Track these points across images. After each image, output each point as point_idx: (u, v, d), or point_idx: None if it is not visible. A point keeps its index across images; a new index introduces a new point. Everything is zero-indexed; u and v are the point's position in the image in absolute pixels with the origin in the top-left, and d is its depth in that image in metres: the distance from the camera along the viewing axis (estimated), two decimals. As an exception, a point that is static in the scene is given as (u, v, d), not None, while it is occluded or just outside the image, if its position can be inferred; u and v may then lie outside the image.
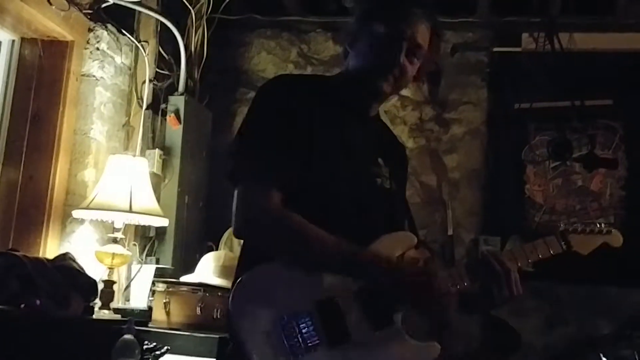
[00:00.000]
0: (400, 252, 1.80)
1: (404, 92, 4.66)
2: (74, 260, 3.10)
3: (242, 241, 1.86)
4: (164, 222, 3.63)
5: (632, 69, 4.19)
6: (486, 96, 4.58)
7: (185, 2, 4.18)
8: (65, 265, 3.05)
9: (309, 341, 1.62)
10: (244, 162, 1.74)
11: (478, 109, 4.59)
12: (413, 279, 1.69)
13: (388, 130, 2.08)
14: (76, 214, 3.43)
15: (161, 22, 4.10)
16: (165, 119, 4.14)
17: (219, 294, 3.30)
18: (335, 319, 1.65)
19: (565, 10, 4.33)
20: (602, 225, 2.05)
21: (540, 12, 4.28)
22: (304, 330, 1.62)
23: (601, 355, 3.46)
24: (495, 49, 4.57)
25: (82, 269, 3.11)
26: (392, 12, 1.85)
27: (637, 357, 3.53)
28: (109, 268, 3.43)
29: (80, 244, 3.54)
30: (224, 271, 3.51)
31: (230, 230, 4.00)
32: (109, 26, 3.75)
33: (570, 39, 4.25)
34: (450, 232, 4.41)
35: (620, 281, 3.97)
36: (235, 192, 1.71)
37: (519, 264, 1.84)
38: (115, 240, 3.45)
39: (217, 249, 3.93)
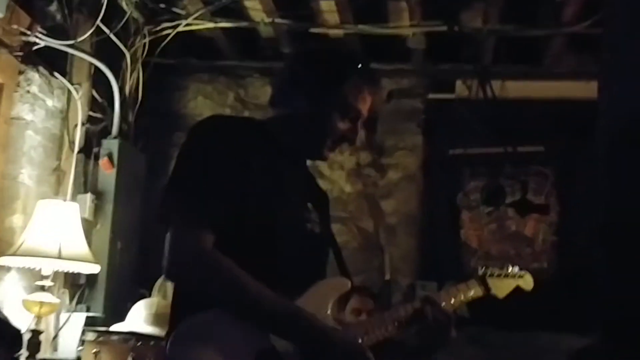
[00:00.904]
0: (334, 297, 1.78)
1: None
2: (-2, 310, 2.99)
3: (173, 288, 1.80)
4: (94, 268, 3.53)
5: (563, 117, 4.30)
6: (422, 142, 4.64)
7: (120, 45, 4.13)
8: (-11, 315, 2.93)
9: None
10: (176, 204, 1.69)
11: (414, 154, 4.64)
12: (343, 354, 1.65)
13: (312, 174, 2.07)
14: (2, 261, 3.30)
15: (95, 65, 4.04)
16: (98, 163, 4.06)
17: (152, 343, 3.21)
18: None
19: (497, 58, 4.45)
20: (516, 269, 2.15)
21: (473, 60, 4.38)
22: None
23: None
24: (430, 96, 4.65)
25: (7, 318, 2.98)
26: (343, 88, 1.84)
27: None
28: (37, 317, 3.31)
29: (6, 292, 3.41)
30: (156, 319, 3.42)
31: (163, 277, 3.91)
32: (41, 69, 3.68)
33: (503, 87, 4.36)
34: (387, 277, 4.41)
35: (553, 326, 4.01)
36: (167, 235, 1.65)
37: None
38: (43, 288, 3.34)
39: (150, 296, 3.84)
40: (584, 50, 4.24)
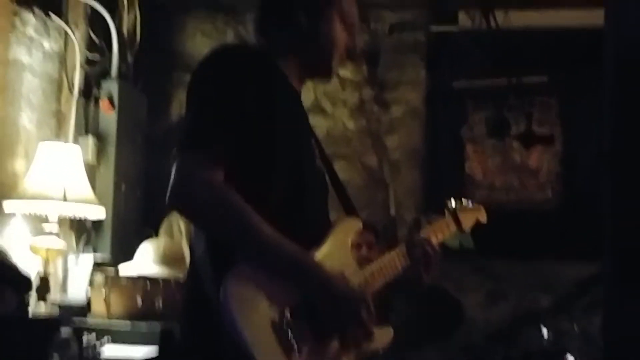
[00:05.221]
0: (351, 240, 1.78)
1: (344, 73, 4.64)
2: (5, 255, 3.00)
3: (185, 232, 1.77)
4: (100, 211, 3.53)
5: (567, 46, 4.23)
6: (425, 76, 4.59)
7: (116, -17, 4.06)
8: (-4, 259, 2.95)
9: (301, 339, 1.57)
10: (186, 135, 1.63)
11: (417, 88, 4.59)
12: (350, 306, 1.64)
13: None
14: (7, 205, 3.31)
15: (91, 5, 3.97)
16: (99, 105, 4.02)
17: (161, 283, 3.24)
18: (316, 315, 1.60)
19: (500, -13, 4.35)
20: (473, 202, 2.16)
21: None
22: (295, 328, 1.56)
23: (542, 326, 3.52)
24: (433, 28, 4.57)
25: (14, 263, 3.01)
26: None
27: (576, 329, 3.60)
28: (45, 260, 3.33)
29: (12, 237, 3.42)
30: (164, 259, 3.45)
31: (169, 217, 3.92)
32: (36, 10, 3.61)
33: (506, 16, 4.28)
34: (392, 213, 4.42)
35: (558, 256, 4.03)
36: (175, 163, 1.58)
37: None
38: (49, 232, 3.35)
39: (156, 236, 3.85)
40: (589, -23, 4.14)
